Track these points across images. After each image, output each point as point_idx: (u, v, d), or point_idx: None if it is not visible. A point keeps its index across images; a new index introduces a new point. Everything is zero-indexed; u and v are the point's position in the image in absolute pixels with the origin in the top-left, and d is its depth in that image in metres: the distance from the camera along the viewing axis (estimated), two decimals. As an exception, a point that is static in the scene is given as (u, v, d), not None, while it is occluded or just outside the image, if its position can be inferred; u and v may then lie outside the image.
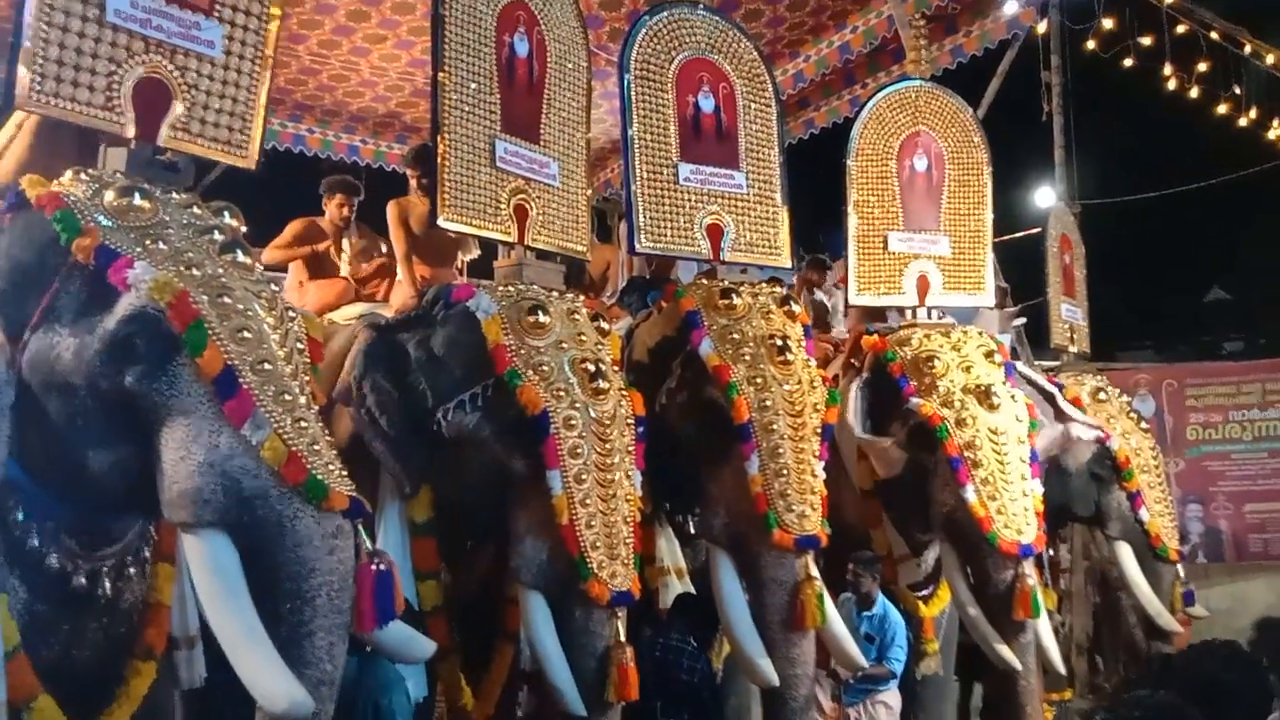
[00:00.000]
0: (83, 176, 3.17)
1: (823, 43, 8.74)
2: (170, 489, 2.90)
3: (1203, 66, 8.70)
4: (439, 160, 4.01)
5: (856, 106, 9.29)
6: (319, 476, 2.89)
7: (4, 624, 3.00)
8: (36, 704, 3.04)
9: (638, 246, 4.73)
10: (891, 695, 5.31)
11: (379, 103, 9.17)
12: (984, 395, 5.09)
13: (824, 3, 8.30)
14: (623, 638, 3.81)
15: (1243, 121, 9.01)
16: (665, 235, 4.73)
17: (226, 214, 3.33)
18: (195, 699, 3.56)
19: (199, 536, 2.90)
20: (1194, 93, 8.89)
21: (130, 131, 3.27)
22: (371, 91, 8.99)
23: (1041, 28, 8.71)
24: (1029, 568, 4.92)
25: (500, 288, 4.09)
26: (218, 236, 3.17)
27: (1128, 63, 8.75)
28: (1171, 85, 8.87)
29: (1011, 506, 4.92)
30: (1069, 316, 7.08)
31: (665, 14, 4.90)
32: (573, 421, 3.81)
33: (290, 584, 2.85)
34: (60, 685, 3.12)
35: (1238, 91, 8.86)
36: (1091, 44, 8.76)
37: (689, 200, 4.78)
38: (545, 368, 3.87)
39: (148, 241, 3.04)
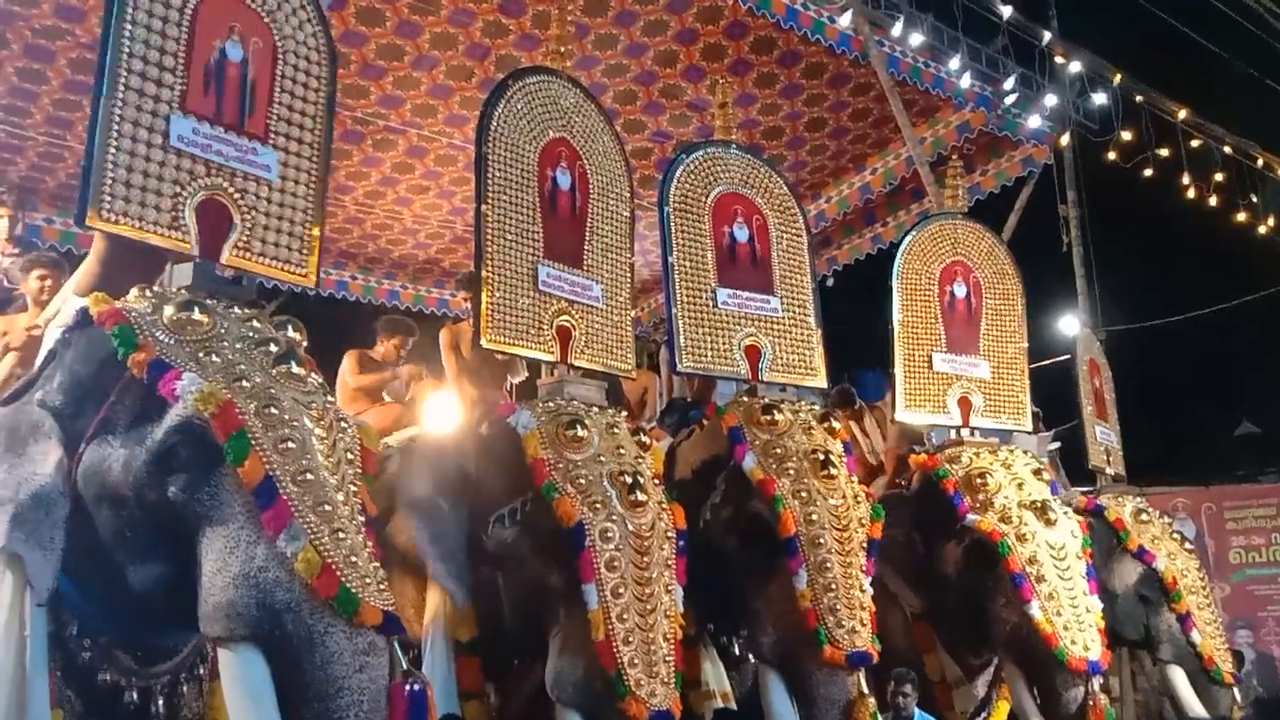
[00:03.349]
0: (147, 293, 3.18)
1: (844, 184, 9.05)
2: (206, 602, 2.78)
3: (1219, 177, 8.91)
4: (482, 285, 4.04)
5: (878, 244, 9.62)
6: (352, 590, 2.74)
7: None
8: None
9: (680, 367, 4.73)
10: None
11: (420, 249, 9.48)
12: (1040, 511, 4.98)
13: (844, 146, 8.61)
14: None
15: (1261, 229, 9.14)
16: (706, 356, 4.72)
17: (289, 327, 3.32)
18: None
19: (231, 651, 2.76)
20: (1212, 201, 8.98)
21: (195, 250, 3.28)
22: (413, 239, 9.31)
23: (1064, 140, 8.89)
24: (1098, 685, 4.70)
25: (541, 404, 4.05)
26: (273, 348, 3.13)
27: (1147, 173, 8.91)
28: (1190, 195, 8.96)
29: (1076, 622, 4.74)
30: (1104, 439, 6.98)
31: (701, 153, 5.04)
32: (609, 534, 3.69)
33: (319, 703, 2.67)
34: None
35: (1254, 200, 9.05)
36: (1113, 155, 8.89)
37: (727, 323, 4.79)
38: (583, 480, 3.77)
39: (201, 354, 3.01)
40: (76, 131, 7.18)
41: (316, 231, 3.57)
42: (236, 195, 3.39)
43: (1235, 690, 5.94)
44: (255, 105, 3.47)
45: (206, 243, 3.32)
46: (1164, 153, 8.81)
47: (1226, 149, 8.92)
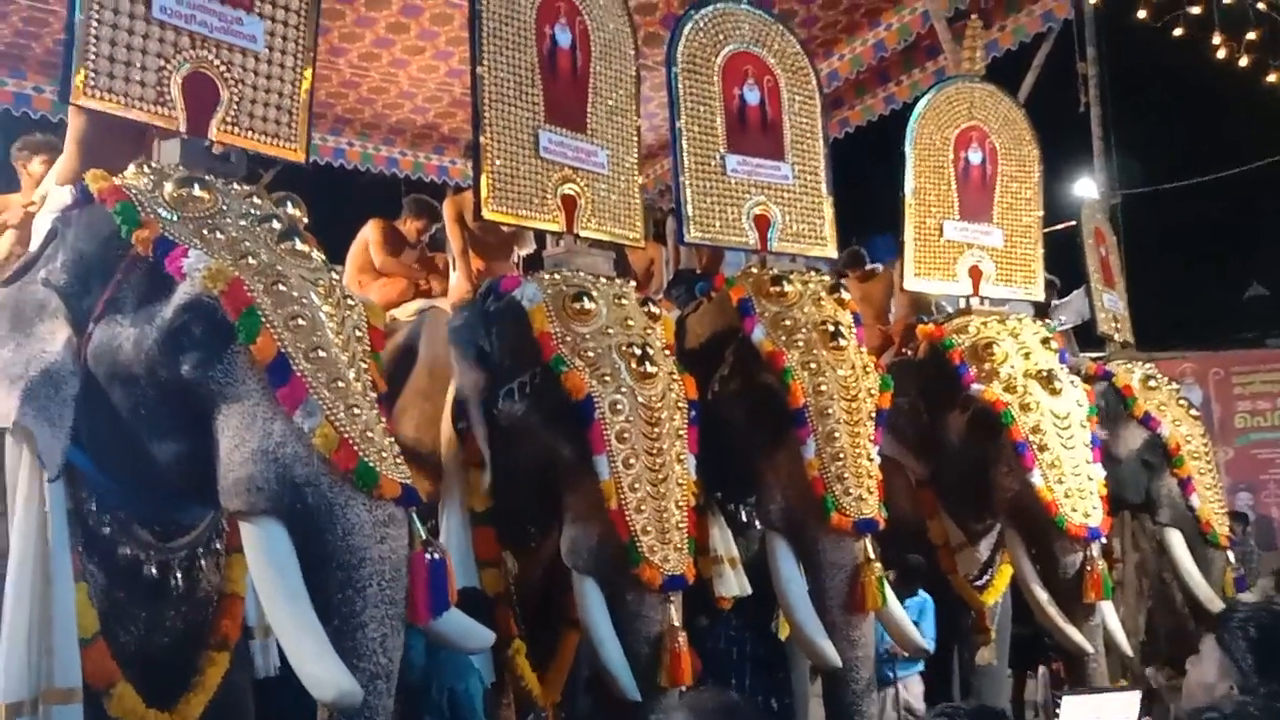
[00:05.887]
0: (145, 170, 3.14)
1: (857, 40, 8.68)
2: (225, 477, 2.84)
3: (1251, 35, 8.61)
4: (481, 153, 3.96)
5: (891, 104, 9.35)
6: (370, 463, 2.79)
7: (83, 612, 2.98)
8: (116, 690, 3.02)
9: (687, 237, 4.67)
10: (915, 681, 5.35)
11: (417, 114, 9.22)
12: (1046, 380, 5.00)
13: (857, 1, 8.33)
14: (677, 622, 3.70)
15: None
16: (714, 226, 4.66)
17: (289, 204, 3.28)
18: (270, 687, 3.53)
19: (254, 524, 2.83)
20: (1243, 61, 8.70)
21: (182, 126, 3.22)
22: (410, 103, 9.04)
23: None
24: (1097, 551, 4.83)
25: (547, 276, 4.02)
26: (276, 225, 3.11)
27: (1177, 32, 8.61)
28: (1221, 55, 8.68)
29: (1078, 490, 4.83)
30: (1111, 306, 6.97)
31: (710, 9, 4.83)
32: (619, 406, 3.72)
33: (341, 573, 2.75)
34: (139, 673, 3.10)
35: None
36: (1143, 13, 8.58)
37: (736, 191, 4.71)
38: (591, 353, 3.78)
39: (205, 232, 2.99)
40: (59, -6, 6.92)
41: (306, 104, 3.48)
42: (222, 68, 3.31)
43: (1229, 553, 6.08)
44: (239, -29, 3.34)
45: (193, 118, 3.25)
46: (1195, 10, 8.48)
47: (1261, 4, 8.58)
